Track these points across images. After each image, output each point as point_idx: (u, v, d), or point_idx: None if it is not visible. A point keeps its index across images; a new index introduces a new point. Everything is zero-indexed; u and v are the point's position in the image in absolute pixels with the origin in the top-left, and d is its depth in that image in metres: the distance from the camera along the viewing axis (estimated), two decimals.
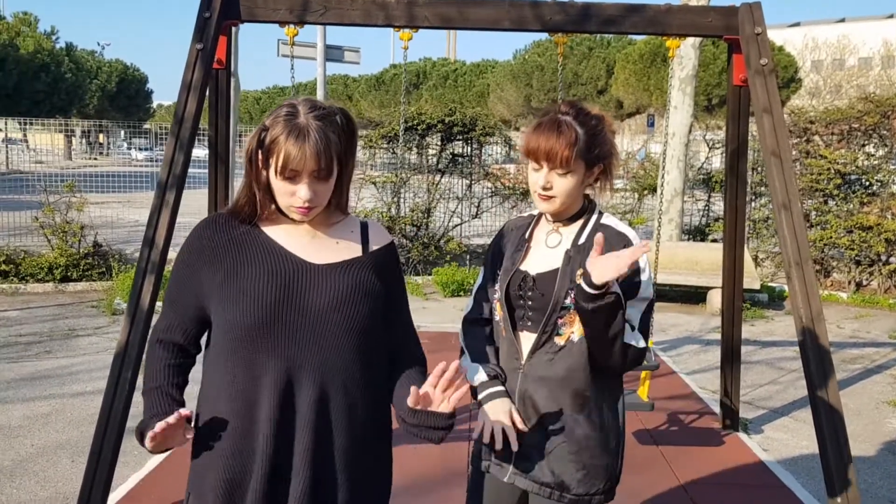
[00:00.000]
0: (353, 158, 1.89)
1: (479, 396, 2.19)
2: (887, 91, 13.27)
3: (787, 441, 5.30)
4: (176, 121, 3.83)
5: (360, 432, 1.86)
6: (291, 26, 4.05)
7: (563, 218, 2.22)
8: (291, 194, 1.78)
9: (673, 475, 4.47)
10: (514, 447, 2.13)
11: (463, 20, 4.04)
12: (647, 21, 4.13)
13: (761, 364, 7.30)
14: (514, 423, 2.14)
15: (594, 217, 2.22)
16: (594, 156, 2.13)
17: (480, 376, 2.19)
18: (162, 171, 3.79)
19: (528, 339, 2.19)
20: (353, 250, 1.93)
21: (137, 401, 2.08)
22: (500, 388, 2.18)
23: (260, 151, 1.79)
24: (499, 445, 2.12)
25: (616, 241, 2.11)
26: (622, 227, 2.21)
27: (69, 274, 9.89)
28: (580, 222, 2.21)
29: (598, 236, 1.95)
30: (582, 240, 2.16)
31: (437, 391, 1.80)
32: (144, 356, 1.96)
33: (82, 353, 6.97)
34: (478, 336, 2.32)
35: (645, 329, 2.15)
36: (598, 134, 2.14)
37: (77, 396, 5.80)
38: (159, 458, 4.59)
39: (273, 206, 1.86)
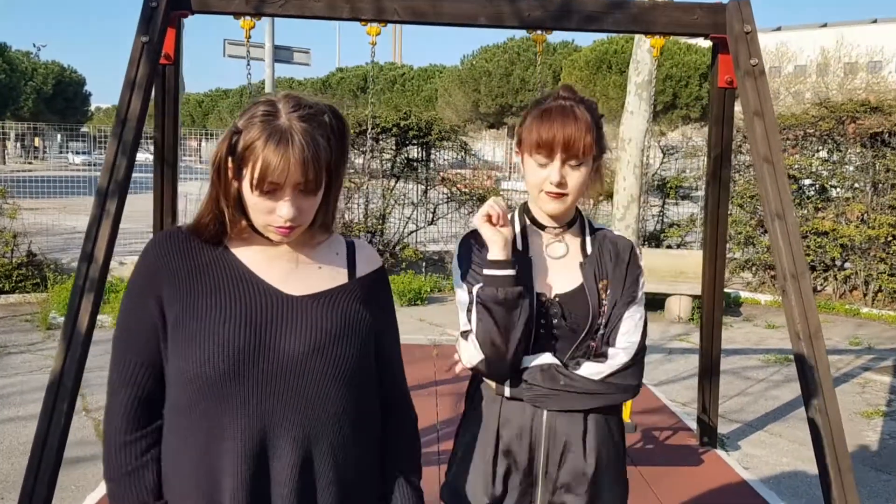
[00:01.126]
0: (344, 166, 1.55)
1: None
2: (830, 97, 13.43)
3: (766, 458, 5.11)
4: (118, 121, 3.44)
5: (353, 500, 1.53)
6: (247, 18, 3.69)
7: (563, 222, 1.94)
8: (270, 211, 1.44)
9: (655, 498, 4.22)
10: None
11: (436, 15, 3.74)
12: (630, 18, 3.88)
13: (727, 374, 7.13)
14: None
15: (587, 222, 1.99)
16: (601, 147, 1.89)
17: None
18: (102, 177, 3.40)
19: None
20: (337, 276, 1.59)
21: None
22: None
23: (231, 159, 1.43)
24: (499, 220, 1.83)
25: (621, 245, 1.96)
26: (616, 231, 2.02)
27: (1, 286, 9.26)
28: (577, 229, 1.97)
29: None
30: (589, 249, 1.94)
31: None
32: (104, 442, 1.54)
33: (14, 373, 6.44)
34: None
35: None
36: (601, 122, 1.91)
37: (7, 423, 5.30)
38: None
39: (244, 223, 1.51)
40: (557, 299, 1.89)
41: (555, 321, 1.88)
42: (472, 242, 1.95)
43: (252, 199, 1.43)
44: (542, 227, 1.95)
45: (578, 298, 1.88)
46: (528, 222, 1.97)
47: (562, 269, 1.92)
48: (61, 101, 42.90)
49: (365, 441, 1.55)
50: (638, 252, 1.97)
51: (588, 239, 1.95)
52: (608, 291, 1.90)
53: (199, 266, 1.50)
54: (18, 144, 33.58)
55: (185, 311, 1.46)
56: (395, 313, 1.72)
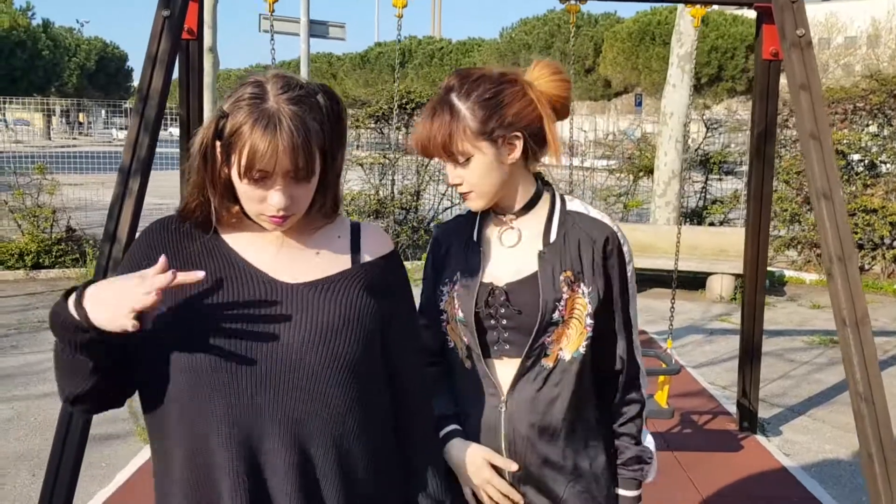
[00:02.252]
0: (342, 150, 1.44)
1: (439, 434, 1.77)
2: (881, 69, 12.90)
3: (808, 444, 4.94)
4: (140, 98, 3.37)
5: (365, 497, 1.44)
6: None
7: (513, 210, 1.78)
8: (261, 200, 1.34)
9: (692, 485, 4.11)
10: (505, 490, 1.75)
11: None
12: None
13: (769, 356, 6.91)
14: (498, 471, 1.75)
15: (558, 204, 1.79)
16: (495, 127, 1.65)
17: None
18: (125, 155, 3.35)
19: (506, 368, 1.75)
20: (338, 262, 1.47)
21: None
22: (457, 426, 1.77)
23: (219, 144, 1.33)
24: (505, 490, 1.74)
25: (593, 230, 1.74)
26: (594, 211, 1.79)
27: (41, 260, 9.38)
28: (542, 212, 1.78)
29: None
30: (553, 236, 1.74)
31: None
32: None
33: (51, 349, 6.44)
34: (437, 373, 1.85)
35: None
36: (495, 99, 1.67)
37: (43, 398, 5.35)
38: (129, 471, 4.19)
39: (237, 210, 1.41)
40: (504, 290, 1.73)
41: (502, 310, 1.72)
42: (441, 238, 1.88)
43: (242, 188, 1.34)
44: (497, 214, 1.80)
45: (528, 287, 1.72)
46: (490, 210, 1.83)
47: (513, 258, 1.76)
48: (104, 76, 43.43)
49: (375, 436, 1.45)
50: (621, 239, 1.76)
51: (555, 222, 1.76)
52: (579, 285, 1.71)
53: (190, 255, 1.42)
54: (63, 120, 34.09)
55: (179, 303, 1.37)
56: (412, 299, 1.60)
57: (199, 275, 1.27)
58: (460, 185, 1.71)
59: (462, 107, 1.66)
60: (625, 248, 1.76)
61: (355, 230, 1.54)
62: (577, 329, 1.73)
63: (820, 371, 6.53)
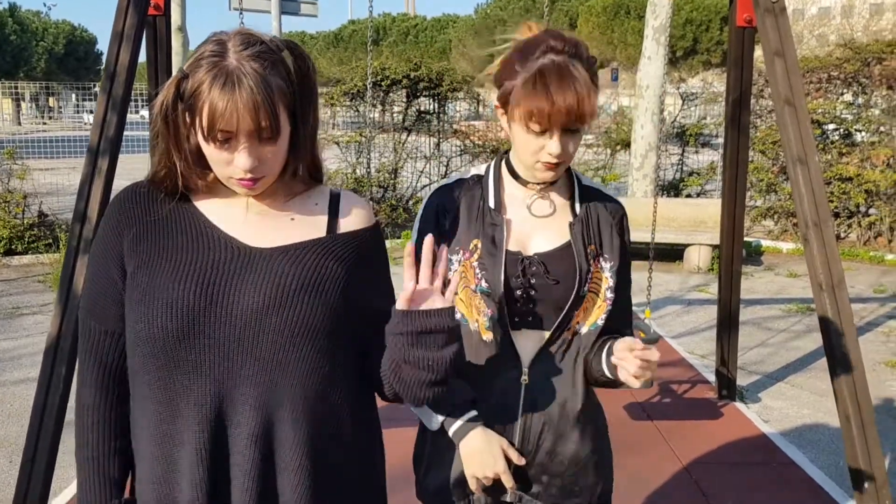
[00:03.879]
0: (313, 109, 1.38)
1: (451, 429, 1.69)
2: (850, 39, 12.93)
3: (786, 410, 4.99)
4: (107, 76, 3.30)
5: (329, 478, 1.39)
6: None
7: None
8: (228, 163, 1.29)
9: (673, 454, 4.14)
10: (510, 485, 1.68)
11: None
12: None
13: (748, 325, 6.98)
14: (508, 462, 1.69)
15: (574, 178, 1.78)
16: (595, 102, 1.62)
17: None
18: (92, 134, 3.28)
19: (529, 340, 1.70)
20: (313, 228, 1.42)
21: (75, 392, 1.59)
22: (474, 413, 1.69)
23: (180, 106, 1.27)
24: (510, 484, 1.69)
25: (610, 206, 1.77)
26: (605, 188, 1.83)
27: (13, 247, 9.24)
28: (565, 185, 1.76)
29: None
30: (578, 209, 1.73)
31: (424, 281, 1.37)
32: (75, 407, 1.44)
33: (26, 335, 6.43)
34: None
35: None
36: (596, 71, 1.64)
37: (18, 384, 5.29)
38: None
39: (212, 176, 1.36)
40: (537, 257, 1.68)
41: (534, 280, 1.67)
42: (445, 203, 1.74)
43: (208, 150, 1.29)
44: (525, 183, 1.73)
45: (564, 257, 1.68)
46: (505, 174, 1.76)
47: (545, 228, 1.71)
48: (73, 60, 42.76)
49: (340, 413, 1.40)
50: (627, 216, 1.79)
51: (576, 197, 1.74)
52: (599, 260, 1.71)
53: (158, 221, 1.38)
54: (33, 105, 33.55)
55: (139, 269, 1.34)
56: (390, 278, 1.54)
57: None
58: (561, 155, 1.60)
59: (586, 75, 1.58)
60: (627, 224, 1.80)
61: (335, 199, 1.48)
62: (594, 302, 1.71)
63: (797, 338, 6.59)
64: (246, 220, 1.40)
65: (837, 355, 3.26)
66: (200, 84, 1.24)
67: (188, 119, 1.28)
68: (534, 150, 1.61)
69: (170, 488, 1.34)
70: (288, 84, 1.30)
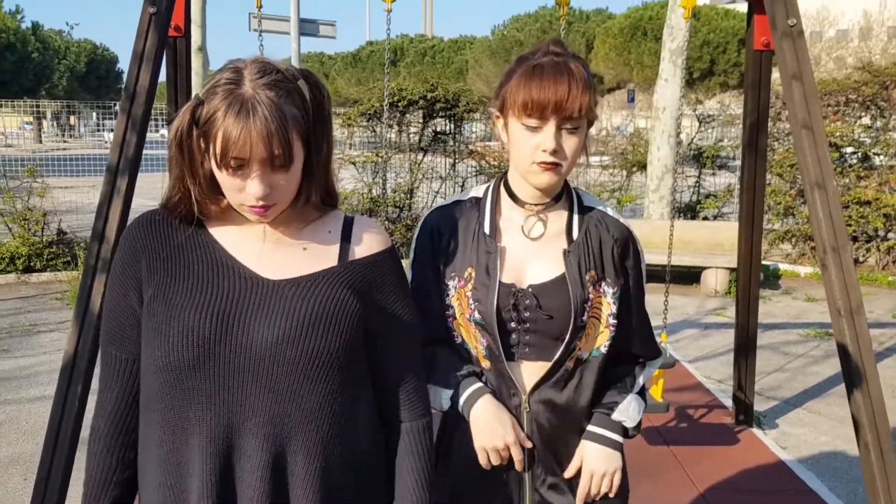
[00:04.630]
0: (326, 137, 1.38)
1: (461, 400, 1.67)
2: (868, 62, 12.83)
3: (804, 437, 4.93)
4: (127, 96, 3.33)
5: None
6: None
7: (551, 196, 1.69)
8: (240, 190, 1.30)
9: (688, 479, 4.09)
10: (518, 457, 1.67)
11: None
12: None
13: (765, 349, 6.92)
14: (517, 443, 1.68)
15: (576, 199, 1.73)
16: (594, 106, 1.61)
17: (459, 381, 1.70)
18: (112, 154, 3.31)
19: (528, 369, 1.68)
20: (325, 258, 1.41)
21: (90, 410, 1.59)
22: (481, 384, 1.68)
23: (195, 132, 1.28)
24: (518, 466, 1.68)
25: (613, 228, 1.71)
26: (612, 210, 1.76)
27: (32, 264, 9.31)
28: (563, 206, 1.72)
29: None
30: (576, 233, 1.68)
31: None
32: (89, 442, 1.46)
33: (43, 352, 6.47)
34: (440, 350, 1.73)
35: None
36: (594, 83, 1.64)
37: (34, 402, 5.31)
38: None
39: (225, 201, 1.37)
40: (531, 290, 1.65)
41: (528, 314, 1.64)
42: (440, 226, 1.72)
43: (221, 177, 1.30)
44: (523, 204, 1.70)
45: (558, 289, 1.64)
46: (503, 195, 1.72)
47: (540, 255, 1.67)
48: (94, 79, 43.32)
49: (354, 438, 1.40)
50: (636, 238, 1.75)
51: (576, 219, 1.70)
52: (601, 285, 1.67)
53: (174, 248, 1.39)
54: (54, 123, 33.97)
55: (156, 297, 1.35)
56: (407, 297, 1.51)
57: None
58: (557, 153, 1.57)
59: (583, 73, 1.58)
60: (639, 248, 1.75)
61: (347, 225, 1.47)
62: (597, 329, 1.69)
63: (815, 364, 6.52)
64: (259, 249, 1.40)
65: (856, 382, 3.22)
66: (215, 111, 1.25)
67: (202, 145, 1.29)
68: (530, 149, 1.58)
69: None
70: (303, 113, 1.30)
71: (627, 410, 1.72)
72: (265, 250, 1.40)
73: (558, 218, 1.71)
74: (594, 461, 1.69)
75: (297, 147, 1.30)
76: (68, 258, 9.45)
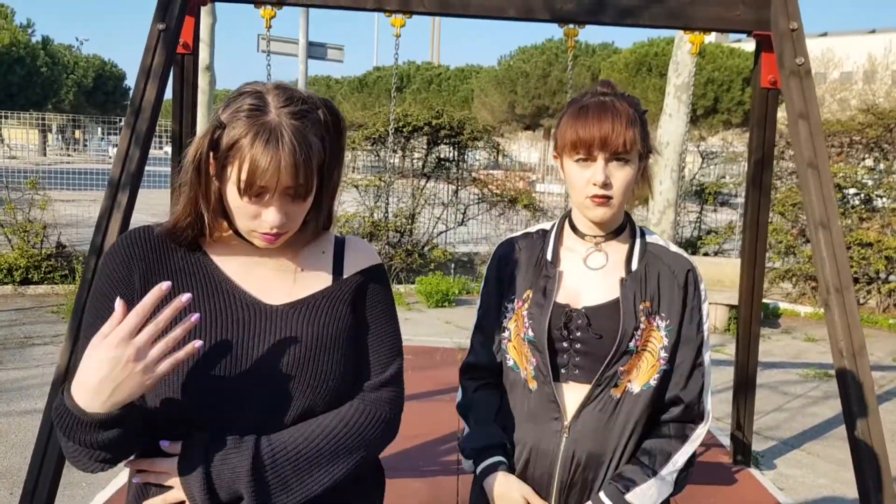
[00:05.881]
0: (339, 168, 1.39)
1: (479, 468, 1.74)
2: (873, 104, 12.89)
3: (802, 479, 4.87)
4: (132, 111, 3.33)
5: None
6: (268, 7, 3.56)
7: (609, 230, 1.76)
8: (255, 217, 1.29)
9: None
10: None
11: (463, 6, 3.58)
12: (667, 14, 3.68)
13: (764, 388, 6.86)
14: None
15: (638, 234, 1.79)
16: (647, 144, 1.71)
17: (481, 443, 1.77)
18: (114, 168, 3.29)
19: (574, 392, 1.71)
20: (320, 279, 1.43)
21: None
22: (501, 458, 1.73)
23: (213, 157, 1.27)
24: None
25: (674, 264, 1.75)
26: (673, 246, 1.79)
27: (30, 276, 9.29)
28: (625, 240, 1.78)
29: None
30: (635, 265, 1.74)
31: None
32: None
33: (35, 365, 6.41)
34: (484, 399, 1.83)
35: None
36: (645, 117, 1.73)
37: (24, 415, 5.25)
38: (110, 492, 4.09)
39: (226, 225, 1.36)
40: (584, 311, 1.70)
41: (579, 334, 1.69)
42: (508, 255, 1.84)
43: (236, 203, 1.28)
44: (583, 236, 1.78)
45: (609, 313, 1.69)
46: (567, 229, 1.82)
47: (597, 282, 1.74)
48: (101, 94, 43.53)
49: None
50: (698, 274, 1.75)
51: (636, 251, 1.76)
52: (655, 318, 1.70)
53: (176, 273, 1.36)
54: (59, 136, 34.09)
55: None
56: (393, 314, 1.52)
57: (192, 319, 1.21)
58: (609, 185, 1.66)
59: (629, 110, 1.67)
60: (702, 287, 1.76)
61: (339, 245, 1.48)
62: (648, 362, 1.70)
63: (815, 404, 6.46)
64: (260, 275, 1.39)
65: (858, 425, 3.18)
66: (240, 138, 1.23)
67: (219, 170, 1.27)
68: (582, 184, 1.68)
69: None
70: (323, 142, 1.29)
71: (644, 496, 1.68)
72: (265, 276, 1.40)
73: (619, 250, 1.77)
74: None
75: (315, 177, 1.30)
76: (66, 271, 9.42)
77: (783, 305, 10.61)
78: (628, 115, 1.65)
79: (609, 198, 1.66)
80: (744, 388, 4.65)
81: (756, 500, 4.33)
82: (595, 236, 1.76)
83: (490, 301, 1.84)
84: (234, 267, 1.39)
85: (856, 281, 10.30)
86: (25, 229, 9.38)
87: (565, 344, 1.70)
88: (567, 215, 1.84)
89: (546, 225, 1.88)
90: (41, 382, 5.84)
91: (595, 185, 1.65)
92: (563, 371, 1.71)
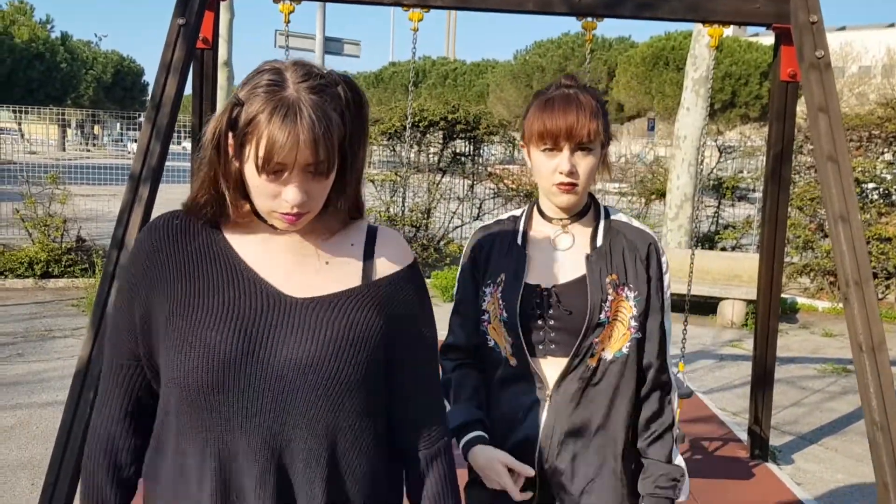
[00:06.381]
0: (363, 145, 1.33)
1: (463, 440, 1.86)
2: (892, 98, 12.79)
3: (820, 473, 4.85)
4: (153, 106, 3.35)
5: None
6: (287, 2, 3.58)
7: (573, 212, 1.88)
8: (275, 196, 1.24)
9: None
10: (517, 498, 1.80)
11: (482, 0, 3.58)
12: (687, 6, 3.67)
13: (781, 383, 6.82)
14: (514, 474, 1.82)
15: (602, 213, 1.91)
16: (608, 134, 1.83)
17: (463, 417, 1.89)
18: (135, 163, 3.32)
19: (553, 366, 1.83)
20: (348, 275, 1.36)
21: None
22: (481, 433, 1.86)
23: (232, 134, 1.23)
24: (517, 497, 1.78)
25: (637, 238, 1.86)
26: (636, 222, 1.92)
27: (50, 270, 9.38)
28: (590, 220, 1.90)
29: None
30: (599, 242, 1.85)
31: None
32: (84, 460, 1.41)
33: (56, 357, 6.48)
34: (462, 377, 1.94)
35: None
36: (606, 109, 1.85)
37: (46, 407, 5.32)
38: None
39: (248, 207, 1.32)
40: (554, 289, 1.82)
41: (551, 311, 1.80)
42: (481, 241, 1.94)
43: (255, 181, 1.24)
44: (551, 219, 1.89)
45: (577, 289, 1.81)
46: (536, 214, 1.92)
47: (566, 261, 1.85)
48: (120, 90, 43.83)
49: (368, 459, 1.36)
50: (660, 246, 1.87)
51: (601, 229, 1.87)
52: (623, 289, 1.80)
53: (195, 259, 1.33)
54: (78, 132, 34.35)
55: (175, 311, 1.29)
56: (430, 315, 1.47)
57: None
58: (574, 173, 1.76)
59: (592, 102, 1.77)
60: (663, 259, 1.87)
61: (370, 237, 1.41)
62: (619, 331, 1.82)
63: (832, 399, 6.43)
64: (281, 261, 1.35)
65: (877, 420, 3.17)
66: (258, 114, 1.19)
67: (238, 148, 1.24)
68: (549, 172, 1.79)
69: None
70: (343, 118, 1.25)
71: (677, 456, 1.89)
72: (288, 264, 1.35)
73: (584, 231, 1.88)
74: None
75: (336, 153, 1.25)
76: (86, 265, 9.50)
77: (801, 300, 10.54)
78: (592, 107, 1.75)
79: (574, 185, 1.77)
80: (761, 383, 4.64)
81: (773, 495, 4.33)
82: (561, 219, 1.87)
83: (466, 285, 1.95)
84: (256, 255, 1.34)
85: (875, 276, 10.21)
86: (46, 223, 9.46)
87: (539, 322, 1.81)
88: (535, 202, 1.94)
89: (517, 211, 1.98)
90: (62, 375, 5.91)
91: (562, 173, 1.76)
92: (540, 347, 1.83)
